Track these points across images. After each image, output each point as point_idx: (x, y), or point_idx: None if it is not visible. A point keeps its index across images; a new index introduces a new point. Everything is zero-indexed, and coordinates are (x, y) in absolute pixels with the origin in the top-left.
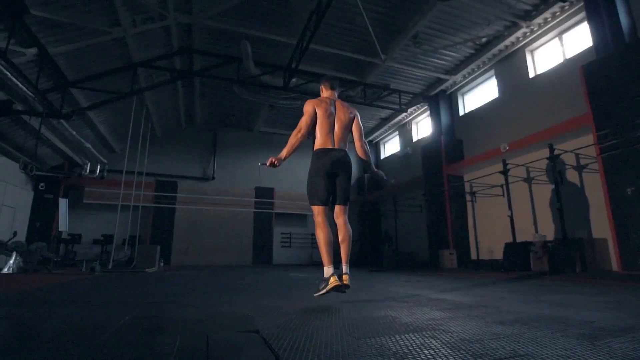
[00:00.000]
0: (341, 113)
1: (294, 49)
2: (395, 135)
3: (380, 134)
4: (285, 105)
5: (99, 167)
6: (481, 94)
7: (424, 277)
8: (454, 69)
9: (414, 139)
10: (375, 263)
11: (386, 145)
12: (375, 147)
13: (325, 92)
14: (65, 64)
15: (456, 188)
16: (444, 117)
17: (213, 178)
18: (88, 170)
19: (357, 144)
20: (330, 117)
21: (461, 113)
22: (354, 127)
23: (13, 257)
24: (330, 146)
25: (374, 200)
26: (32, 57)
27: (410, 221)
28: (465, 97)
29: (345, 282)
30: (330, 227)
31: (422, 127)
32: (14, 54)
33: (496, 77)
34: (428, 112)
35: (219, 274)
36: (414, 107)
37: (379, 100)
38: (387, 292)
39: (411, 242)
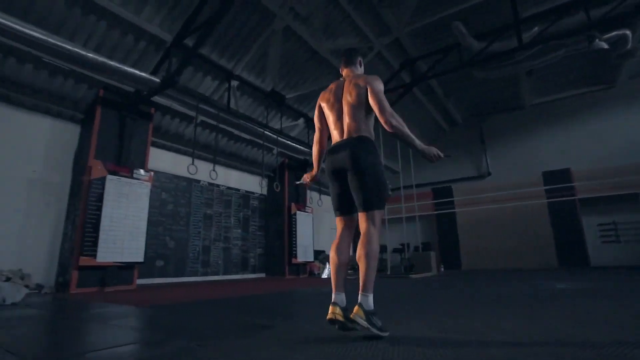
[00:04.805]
0: (347, 93)
1: None
2: None
3: None
4: (545, 62)
5: None
6: None
7: None
8: None
9: None
10: None
11: None
12: None
13: (342, 73)
14: None
15: None
16: None
17: (489, 174)
18: None
19: (381, 120)
20: (336, 104)
21: None
22: (370, 101)
23: (327, 266)
24: (339, 139)
25: None
26: (302, 125)
27: None
28: None
29: (352, 316)
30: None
31: None
32: (291, 129)
33: None
34: None
35: (477, 282)
36: None
37: None
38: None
39: None
